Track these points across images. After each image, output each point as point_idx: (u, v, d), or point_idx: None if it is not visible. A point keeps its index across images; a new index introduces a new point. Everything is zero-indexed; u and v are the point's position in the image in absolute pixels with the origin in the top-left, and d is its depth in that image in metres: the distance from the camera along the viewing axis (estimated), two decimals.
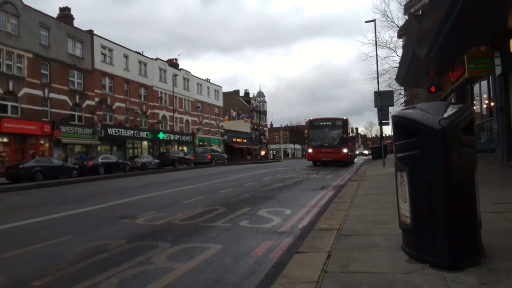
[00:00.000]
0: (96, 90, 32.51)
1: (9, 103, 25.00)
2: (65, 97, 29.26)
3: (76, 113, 30.53)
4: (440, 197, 2.74)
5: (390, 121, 17.12)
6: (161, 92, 42.64)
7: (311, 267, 3.05)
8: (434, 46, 11.71)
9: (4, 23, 24.65)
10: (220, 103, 59.01)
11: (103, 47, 34.18)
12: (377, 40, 22.91)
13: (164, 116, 42.80)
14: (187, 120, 48.23)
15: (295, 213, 6.44)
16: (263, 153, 64.39)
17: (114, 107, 34.94)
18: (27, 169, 19.38)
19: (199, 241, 4.71)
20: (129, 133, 36.52)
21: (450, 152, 2.73)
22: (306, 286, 2.67)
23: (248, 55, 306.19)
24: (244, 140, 64.45)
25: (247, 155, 65.27)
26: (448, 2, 8.78)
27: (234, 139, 60.71)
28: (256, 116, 76.25)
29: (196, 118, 50.32)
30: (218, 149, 46.89)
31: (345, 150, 22.62)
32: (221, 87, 60.38)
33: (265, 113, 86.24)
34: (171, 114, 43.35)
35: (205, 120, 52.78)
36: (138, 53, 40.20)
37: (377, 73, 22.67)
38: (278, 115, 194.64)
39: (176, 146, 44.38)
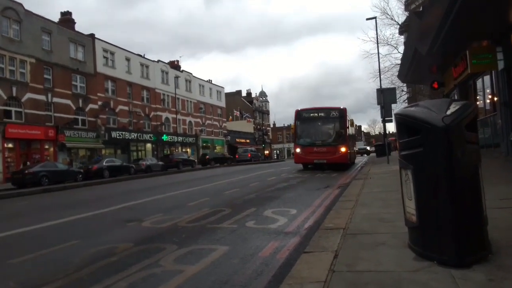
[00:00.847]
0: (99, 94, 32.65)
1: (13, 109, 25.14)
2: (68, 101, 29.40)
3: (80, 117, 30.68)
4: (445, 195, 2.75)
5: (393, 118, 17.10)
6: (164, 94, 42.74)
7: (318, 267, 3.07)
8: (436, 42, 11.67)
9: (6, 28, 24.79)
10: (222, 103, 59.09)
11: (105, 50, 34.31)
12: (378, 37, 22.87)
13: (167, 118, 42.91)
14: (190, 122, 48.31)
15: (300, 213, 6.45)
16: (266, 152, 64.30)
17: (117, 110, 35.08)
18: (32, 174, 19.49)
19: (206, 242, 4.74)
20: (133, 136, 36.64)
21: (454, 149, 2.74)
22: (314, 286, 2.69)
23: (251, 54, 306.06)
24: (248, 140, 64.50)
25: None
26: None
27: (238, 140, 60.79)
28: (259, 116, 76.26)
29: (199, 119, 50.40)
30: (253, 149, 50.05)
31: (343, 149, 17.79)
32: (223, 87, 60.50)
33: (267, 112, 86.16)
34: (174, 116, 43.45)
35: (208, 121, 52.86)
36: (140, 55, 40.35)
37: (379, 71, 22.61)
38: (282, 114, 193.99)
39: (179, 148, 44.51)
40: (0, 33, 24.32)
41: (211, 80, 56.50)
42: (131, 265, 3.88)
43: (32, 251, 4.81)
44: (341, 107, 18.88)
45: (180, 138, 44.13)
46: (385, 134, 22.08)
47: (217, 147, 53.93)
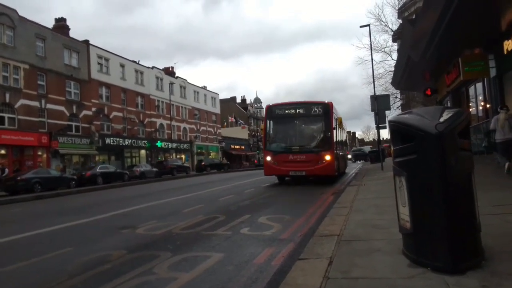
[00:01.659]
0: (93, 100, 32.51)
1: (6, 115, 24.94)
2: (62, 108, 29.22)
3: (73, 123, 30.48)
4: (438, 201, 2.77)
5: (387, 124, 17.18)
6: (158, 101, 42.66)
7: (313, 274, 3.06)
8: (429, 49, 11.80)
9: (0, 35, 24.69)
10: (217, 110, 59.08)
11: (99, 56, 34.23)
12: (372, 44, 23.02)
13: (161, 125, 42.80)
14: (184, 128, 48.22)
15: (295, 219, 6.45)
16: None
17: (111, 116, 34.92)
18: (25, 181, 19.31)
19: (201, 249, 4.72)
20: (127, 142, 36.46)
21: (447, 156, 2.76)
22: None
23: (247, 61, 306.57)
24: (242, 147, 64.46)
25: (245, 161, 65.23)
26: (442, 6, 8.88)
27: (232, 146, 60.70)
28: (253, 122, 76.31)
29: (193, 126, 50.33)
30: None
31: (327, 157, 13.30)
32: (218, 94, 60.53)
33: (262, 119, 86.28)
34: (169, 122, 43.35)
35: (202, 128, 52.79)
36: (135, 62, 40.31)
37: (373, 77, 22.73)
38: None
39: (174, 154, 44.35)
40: None
41: (206, 87, 56.55)
42: (124, 272, 3.85)
43: (25, 259, 4.76)
44: (326, 102, 14.41)
45: (174, 145, 43.98)
46: (379, 141, 22.16)
47: (211, 154, 53.85)
